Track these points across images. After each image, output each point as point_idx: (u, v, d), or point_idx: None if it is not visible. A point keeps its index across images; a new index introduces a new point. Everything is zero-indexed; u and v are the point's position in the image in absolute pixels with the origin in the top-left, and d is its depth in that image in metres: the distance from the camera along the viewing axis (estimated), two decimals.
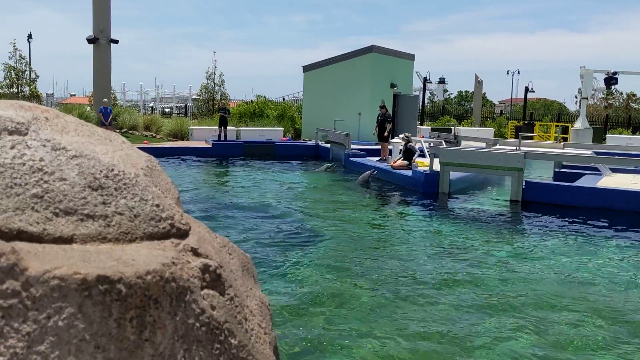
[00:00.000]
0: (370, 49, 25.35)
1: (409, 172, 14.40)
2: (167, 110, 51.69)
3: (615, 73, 30.18)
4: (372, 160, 17.45)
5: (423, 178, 13.36)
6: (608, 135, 30.34)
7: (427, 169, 13.80)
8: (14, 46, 31.17)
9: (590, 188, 12.03)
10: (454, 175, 13.27)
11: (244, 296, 1.88)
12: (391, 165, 15.49)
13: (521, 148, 16.24)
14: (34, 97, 31.01)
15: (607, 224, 10.22)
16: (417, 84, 43.86)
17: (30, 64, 33.20)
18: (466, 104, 61.52)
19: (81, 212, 1.58)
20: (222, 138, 22.29)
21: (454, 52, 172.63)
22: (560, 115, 45.59)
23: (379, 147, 18.42)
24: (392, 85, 25.81)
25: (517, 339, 5.03)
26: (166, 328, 1.48)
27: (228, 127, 22.99)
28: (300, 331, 5.01)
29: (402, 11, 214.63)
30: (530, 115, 42.43)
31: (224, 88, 36.36)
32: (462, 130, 27.79)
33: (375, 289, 6.27)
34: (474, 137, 23.14)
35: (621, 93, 50.50)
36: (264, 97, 36.25)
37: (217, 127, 22.70)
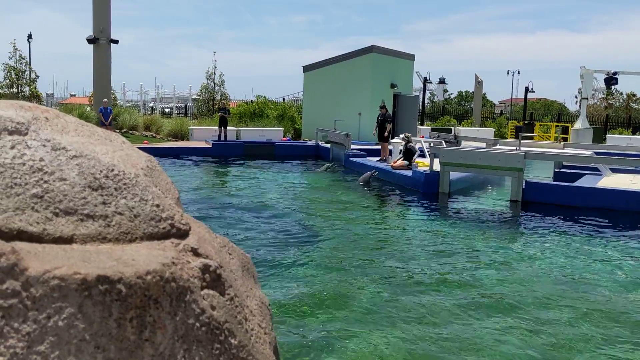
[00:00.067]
0: (370, 49, 25.35)
1: (409, 172, 14.40)
2: (167, 110, 51.69)
3: (615, 73, 30.17)
4: (372, 161, 17.45)
5: (423, 178, 13.36)
6: (608, 136, 30.33)
7: (427, 169, 13.80)
8: (14, 46, 31.19)
9: (591, 188, 12.03)
10: (454, 175, 13.27)
11: (244, 296, 1.88)
12: (391, 166, 15.49)
13: (521, 148, 16.24)
14: (34, 97, 31.01)
15: (607, 224, 10.22)
16: (417, 84, 43.92)
17: (30, 64, 33.22)
18: (466, 104, 61.53)
19: (81, 212, 1.58)
20: (222, 138, 22.29)
21: (454, 52, 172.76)
22: (560, 116, 45.59)
23: (379, 147, 18.41)
24: (392, 86, 25.81)
25: (517, 339, 5.03)
26: (166, 328, 1.48)
27: (228, 127, 22.99)
28: (300, 331, 5.01)
29: (402, 11, 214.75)
30: (530, 116, 42.43)
31: (224, 88, 36.40)
32: (462, 130, 27.79)
33: (375, 289, 6.27)
34: (474, 137, 23.14)
35: (621, 93, 50.52)
36: (264, 97, 36.24)
37: (217, 127, 22.70)
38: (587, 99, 32.71)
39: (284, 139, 24.90)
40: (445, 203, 12.41)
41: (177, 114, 45.00)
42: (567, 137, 30.51)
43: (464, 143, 20.83)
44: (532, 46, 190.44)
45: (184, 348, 1.52)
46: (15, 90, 30.98)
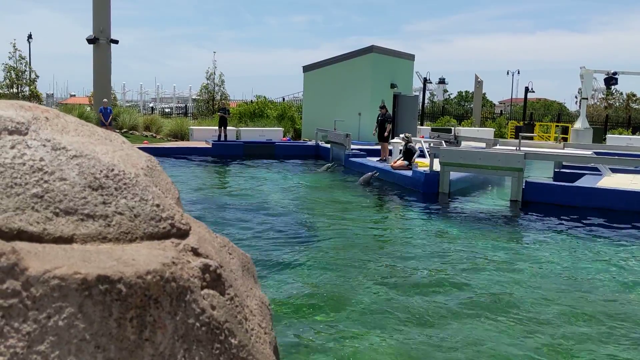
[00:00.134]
0: (370, 49, 25.35)
1: (409, 173, 14.40)
2: (167, 110, 51.67)
3: (615, 73, 30.16)
4: (372, 161, 17.45)
5: (423, 178, 13.36)
6: (608, 136, 30.33)
7: (427, 169, 13.80)
8: (14, 46, 31.20)
9: (590, 188, 12.03)
10: (454, 175, 13.27)
11: (244, 296, 1.88)
12: (391, 166, 15.49)
13: (521, 148, 16.24)
14: (34, 97, 31.00)
15: (607, 224, 10.22)
16: (417, 84, 43.89)
17: (30, 64, 33.23)
18: (466, 104, 61.51)
19: (81, 212, 1.58)
20: (222, 138, 22.29)
21: (454, 52, 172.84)
22: (560, 116, 45.58)
23: (379, 147, 18.41)
24: (392, 86, 25.81)
25: (517, 339, 5.03)
26: (166, 328, 1.48)
27: (228, 127, 22.98)
28: (300, 331, 5.01)
29: (402, 11, 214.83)
30: (530, 116, 42.42)
31: (224, 88, 36.39)
32: (462, 130, 27.79)
33: (375, 289, 6.27)
34: (474, 137, 23.14)
35: (621, 93, 50.52)
36: (264, 97, 36.23)
37: (217, 127, 22.70)
38: (587, 99, 32.71)
39: (284, 139, 24.90)
40: (445, 203, 12.41)
41: (177, 114, 44.99)
42: (567, 137, 30.50)
43: (464, 143, 20.82)
44: (532, 46, 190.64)
45: (184, 348, 1.52)
46: (15, 90, 30.98)
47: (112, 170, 1.71)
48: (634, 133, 34.56)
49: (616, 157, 15.19)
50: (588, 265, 7.64)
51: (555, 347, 4.87)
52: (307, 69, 27.26)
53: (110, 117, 22.38)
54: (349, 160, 18.27)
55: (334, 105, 25.07)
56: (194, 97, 48.74)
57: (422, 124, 34.40)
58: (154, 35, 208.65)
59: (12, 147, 1.58)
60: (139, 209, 1.69)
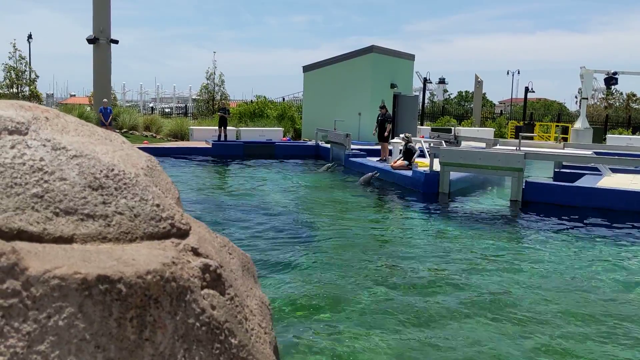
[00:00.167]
0: (370, 49, 25.35)
1: (409, 172, 14.40)
2: (167, 110, 51.67)
3: (615, 73, 30.16)
4: (372, 161, 17.45)
5: (423, 178, 13.36)
6: (608, 136, 30.33)
7: (427, 169, 13.80)
8: (14, 46, 31.19)
9: (590, 188, 12.03)
10: (454, 175, 13.27)
11: (244, 296, 1.88)
12: (391, 166, 15.49)
13: (521, 148, 16.24)
14: (34, 97, 31.00)
15: (607, 225, 10.22)
16: (417, 84, 43.89)
17: (30, 64, 33.22)
18: (466, 104, 61.52)
19: (81, 212, 1.58)
20: (222, 138, 22.29)
21: (454, 52, 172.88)
22: (560, 116, 45.58)
23: (379, 147, 18.42)
24: (392, 86, 25.81)
25: (517, 340, 5.03)
26: (166, 328, 1.48)
27: (228, 127, 22.98)
28: (300, 331, 5.01)
29: (402, 11, 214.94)
30: (530, 116, 42.43)
31: (224, 88, 36.38)
32: (462, 130, 27.79)
33: (374, 289, 6.27)
34: (474, 137, 23.13)
35: (621, 93, 50.51)
36: (264, 97, 36.23)
37: (217, 127, 22.70)
38: (587, 99, 32.71)
39: (284, 139, 24.90)
40: (445, 203, 12.41)
41: (177, 114, 45.00)
42: (567, 137, 30.50)
43: (464, 143, 20.82)
44: (532, 46, 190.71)
45: (184, 347, 1.52)
46: (15, 90, 30.97)
47: (112, 170, 1.72)
48: (634, 133, 34.55)
49: (616, 157, 15.18)
50: (588, 265, 7.64)
51: (555, 347, 4.87)
52: (307, 69, 27.26)
53: (110, 117, 22.39)
54: (349, 160, 18.27)
55: (334, 105, 25.08)
56: (194, 97, 48.74)
57: (422, 124, 34.40)
58: (154, 35, 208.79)
59: (12, 147, 1.58)
60: (139, 209, 1.69)
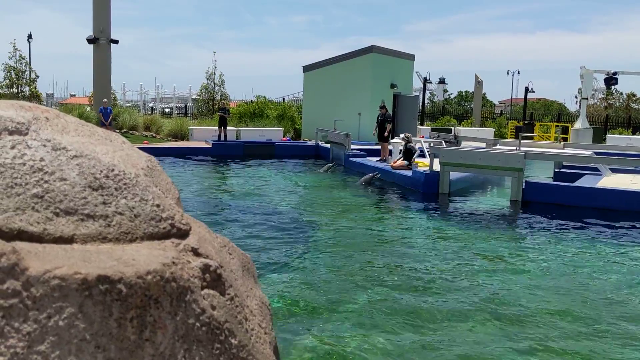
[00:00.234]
0: (370, 49, 25.35)
1: (409, 172, 14.40)
2: (167, 110, 51.66)
3: (615, 73, 30.16)
4: (372, 161, 17.45)
5: (423, 178, 13.36)
6: (608, 136, 30.33)
7: (427, 169, 13.80)
8: (14, 46, 31.19)
9: (590, 188, 12.04)
10: (454, 175, 13.27)
11: (244, 296, 1.88)
12: (391, 166, 15.49)
13: (521, 148, 16.24)
14: (34, 97, 30.99)
15: (607, 225, 10.22)
16: (417, 84, 43.91)
17: (30, 64, 33.21)
18: (466, 104, 61.51)
19: (81, 212, 1.58)
20: (222, 138, 22.28)
21: (454, 52, 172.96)
22: (560, 116, 45.58)
23: (379, 147, 18.42)
24: (392, 86, 25.81)
25: (516, 340, 5.03)
26: (166, 328, 1.48)
27: (228, 127, 22.98)
28: (300, 331, 5.01)
29: (402, 11, 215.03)
30: (530, 116, 42.43)
31: (224, 88, 36.35)
32: (462, 130, 27.78)
33: (375, 289, 6.27)
34: (474, 137, 23.13)
35: (621, 93, 50.51)
36: (264, 97, 36.22)
37: (217, 127, 22.70)
38: (587, 99, 32.70)
39: (284, 139, 24.90)
40: (445, 203, 12.41)
41: (177, 114, 44.99)
42: (567, 137, 30.51)
43: (464, 143, 20.82)
44: (532, 46, 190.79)
45: (185, 348, 1.52)
46: (15, 90, 30.97)
47: (112, 170, 1.72)
48: (634, 133, 34.55)
49: (616, 157, 15.18)
50: (588, 265, 7.64)
51: (555, 347, 4.87)
52: (307, 69, 27.26)
53: (110, 117, 22.39)
54: (349, 160, 18.27)
55: (334, 105, 25.08)
56: (194, 97, 48.73)
57: (422, 124, 34.41)
58: (154, 35, 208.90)
59: (13, 147, 1.58)
60: (139, 209, 1.69)
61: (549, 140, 31.23)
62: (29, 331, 1.29)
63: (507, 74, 53.76)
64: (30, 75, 32.24)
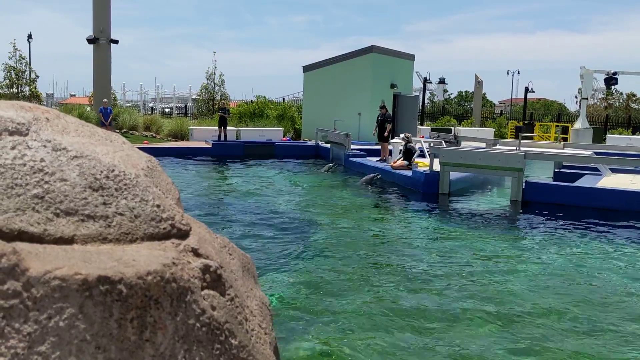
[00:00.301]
0: (370, 49, 25.35)
1: (409, 173, 14.40)
2: (167, 110, 51.66)
3: (615, 73, 30.16)
4: (372, 161, 17.45)
5: (423, 178, 13.36)
6: (608, 136, 30.33)
7: (427, 169, 13.80)
8: (14, 46, 31.18)
9: (590, 188, 12.04)
10: (454, 175, 13.27)
11: (244, 296, 1.88)
12: (391, 166, 15.49)
13: (521, 148, 16.24)
14: (34, 97, 30.99)
15: (607, 225, 10.22)
16: (417, 84, 43.90)
17: (30, 64, 33.20)
18: (466, 104, 61.51)
19: (82, 213, 1.58)
20: (222, 138, 22.28)
21: (454, 52, 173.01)
22: (560, 116, 45.58)
23: (379, 147, 18.42)
24: (392, 86, 25.81)
25: (516, 340, 5.03)
26: (167, 328, 1.48)
27: (228, 127, 22.98)
28: (300, 331, 5.01)
29: (402, 11, 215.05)
30: (530, 116, 42.42)
31: (224, 88, 36.35)
32: (462, 130, 27.78)
33: (374, 289, 6.28)
34: (474, 137, 23.13)
35: (621, 93, 50.52)
36: (264, 97, 36.23)
37: (217, 127, 22.70)
38: (587, 99, 32.70)
39: (284, 139, 24.90)
40: (445, 203, 12.41)
41: (177, 114, 44.99)
42: (567, 137, 30.51)
43: (464, 143, 20.82)
44: (532, 46, 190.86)
45: (185, 348, 1.52)
46: (15, 90, 30.96)
47: (113, 170, 1.72)
48: (634, 133, 34.55)
49: (616, 157, 15.18)
50: (588, 265, 7.64)
51: (554, 347, 4.87)
52: (307, 69, 27.26)
53: (110, 117, 22.39)
54: (349, 160, 18.27)
55: (334, 105, 25.08)
56: (194, 97, 48.72)
57: (422, 124, 34.41)
58: (154, 35, 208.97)
59: (13, 148, 1.58)
60: (140, 209, 1.69)
61: (549, 140, 31.24)
62: (30, 332, 1.29)
63: (507, 74, 53.74)
64: (30, 75, 32.24)
